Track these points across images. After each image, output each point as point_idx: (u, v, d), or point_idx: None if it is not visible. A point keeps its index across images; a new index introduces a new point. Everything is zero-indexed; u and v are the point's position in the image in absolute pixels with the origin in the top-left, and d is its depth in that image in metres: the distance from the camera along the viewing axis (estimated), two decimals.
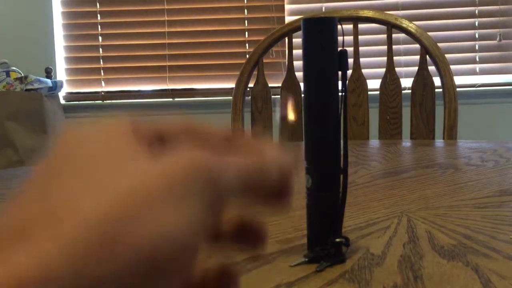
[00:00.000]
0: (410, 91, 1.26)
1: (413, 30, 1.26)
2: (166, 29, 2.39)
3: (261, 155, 0.22)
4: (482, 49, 2.31)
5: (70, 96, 2.43)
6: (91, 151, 0.19)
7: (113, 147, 0.19)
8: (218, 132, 0.24)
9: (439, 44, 1.26)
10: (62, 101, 2.37)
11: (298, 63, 1.19)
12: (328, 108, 0.39)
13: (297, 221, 0.48)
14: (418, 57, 1.26)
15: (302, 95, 0.68)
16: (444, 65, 1.22)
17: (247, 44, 2.38)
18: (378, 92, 1.29)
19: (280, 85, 1.34)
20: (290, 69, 1.34)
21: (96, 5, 2.40)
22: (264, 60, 1.34)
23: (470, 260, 0.38)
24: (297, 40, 1.46)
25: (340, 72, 0.39)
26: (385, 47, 1.30)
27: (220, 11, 2.38)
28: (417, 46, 1.26)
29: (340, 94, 0.39)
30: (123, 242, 0.16)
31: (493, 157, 0.84)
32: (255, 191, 0.21)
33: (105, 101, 2.42)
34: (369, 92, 1.29)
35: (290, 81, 1.33)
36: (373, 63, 2.15)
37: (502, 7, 2.28)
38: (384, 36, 1.30)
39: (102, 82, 2.42)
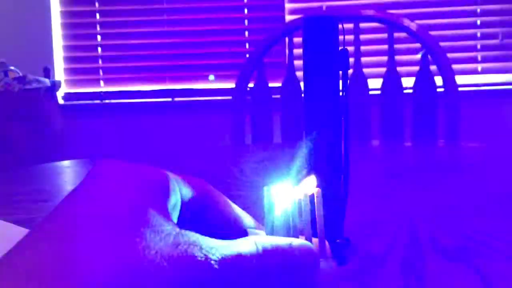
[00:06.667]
0: (411, 90, 1.25)
1: (414, 29, 1.25)
2: (166, 29, 2.39)
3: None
4: (484, 48, 2.30)
5: (69, 96, 2.42)
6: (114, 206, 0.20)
7: (135, 205, 0.20)
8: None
9: (441, 43, 1.26)
10: (61, 101, 2.36)
11: (298, 63, 1.19)
12: (329, 108, 0.38)
13: None
14: (419, 56, 1.25)
15: (302, 95, 0.68)
16: (446, 65, 1.21)
17: (247, 44, 2.38)
18: (378, 92, 1.28)
19: (280, 85, 1.33)
20: (290, 69, 1.34)
21: (95, 5, 2.39)
22: (264, 60, 1.33)
23: (471, 261, 0.37)
24: (297, 40, 1.46)
25: (340, 72, 0.38)
26: (386, 47, 1.29)
27: (220, 10, 2.38)
28: (418, 45, 1.26)
29: (340, 93, 0.39)
30: None
31: (494, 157, 0.83)
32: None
33: (104, 101, 2.42)
34: (369, 92, 1.28)
35: (290, 81, 1.32)
36: (374, 63, 2.15)
37: (504, 6, 2.27)
38: (385, 35, 1.30)
39: (101, 82, 2.42)
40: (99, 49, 2.41)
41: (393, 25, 1.27)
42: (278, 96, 1.32)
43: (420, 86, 1.24)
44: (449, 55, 1.27)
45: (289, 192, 0.25)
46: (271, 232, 0.25)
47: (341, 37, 0.38)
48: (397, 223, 0.48)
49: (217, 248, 0.20)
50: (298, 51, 1.85)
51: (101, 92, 2.41)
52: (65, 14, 2.40)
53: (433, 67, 1.23)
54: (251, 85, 1.33)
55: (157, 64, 2.39)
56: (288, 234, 0.24)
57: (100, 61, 2.41)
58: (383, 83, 1.28)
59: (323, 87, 0.38)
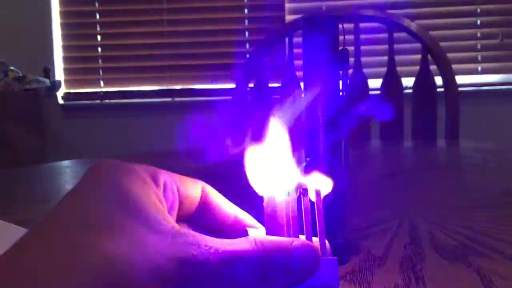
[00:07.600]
0: (411, 90, 1.25)
1: (414, 29, 1.25)
2: (166, 29, 2.38)
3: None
4: (484, 48, 2.30)
5: (69, 96, 2.42)
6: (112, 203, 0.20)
7: (131, 201, 0.21)
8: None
9: (441, 43, 1.26)
10: (61, 101, 2.36)
11: (298, 63, 1.20)
12: (329, 108, 0.38)
13: None
14: (419, 56, 1.25)
15: (302, 95, 0.68)
16: (446, 64, 1.21)
17: (247, 44, 2.38)
18: (379, 92, 1.28)
19: (280, 85, 1.33)
20: (290, 69, 1.33)
21: (95, 4, 2.39)
22: (264, 60, 1.33)
23: (472, 262, 0.37)
24: (297, 40, 1.46)
25: (340, 72, 0.38)
26: (386, 46, 1.29)
27: (220, 10, 2.37)
28: (418, 45, 1.25)
29: (340, 93, 0.39)
30: None
31: (496, 157, 0.83)
32: None
33: (104, 101, 2.42)
34: (370, 92, 1.28)
35: (290, 81, 1.32)
36: (374, 63, 2.14)
37: (504, 6, 2.27)
38: (385, 35, 1.30)
39: (101, 82, 2.42)
40: (99, 49, 2.41)
41: (393, 25, 1.27)
42: (278, 96, 1.32)
43: (420, 86, 1.24)
44: (449, 55, 1.26)
45: (290, 191, 0.25)
46: (272, 231, 0.24)
47: (341, 37, 0.38)
48: (397, 223, 0.48)
49: (217, 247, 0.20)
50: (298, 51, 1.85)
51: (101, 92, 2.41)
52: (65, 14, 2.40)
53: (433, 67, 1.23)
54: (251, 85, 1.33)
55: (157, 64, 2.39)
56: (288, 234, 0.24)
57: (100, 61, 2.41)
58: (383, 83, 1.28)
59: (323, 87, 0.38)
